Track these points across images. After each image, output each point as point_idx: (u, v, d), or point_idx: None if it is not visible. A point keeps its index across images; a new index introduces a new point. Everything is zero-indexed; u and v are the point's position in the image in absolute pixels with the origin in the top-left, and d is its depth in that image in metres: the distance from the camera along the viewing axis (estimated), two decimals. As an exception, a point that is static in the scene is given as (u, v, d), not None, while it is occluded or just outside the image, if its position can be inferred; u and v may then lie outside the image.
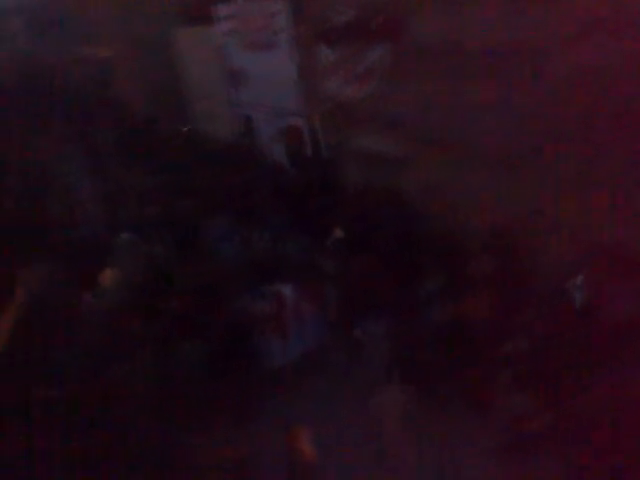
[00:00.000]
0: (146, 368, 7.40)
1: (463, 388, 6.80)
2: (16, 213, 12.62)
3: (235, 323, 8.10)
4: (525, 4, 8.71)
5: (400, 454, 6.79)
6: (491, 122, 9.54)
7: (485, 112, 9.59)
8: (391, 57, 11.10)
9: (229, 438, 6.64)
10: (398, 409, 7.06)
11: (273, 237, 10.42)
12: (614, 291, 7.45)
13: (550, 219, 8.92)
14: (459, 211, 10.04)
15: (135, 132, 19.54)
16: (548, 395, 6.15)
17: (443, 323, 7.64)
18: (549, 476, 6.22)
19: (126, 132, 19.87)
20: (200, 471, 6.34)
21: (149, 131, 19.22)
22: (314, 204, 11.41)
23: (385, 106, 11.51)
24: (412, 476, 6.56)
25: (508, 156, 9.35)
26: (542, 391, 6.18)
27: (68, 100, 26.95)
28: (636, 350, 6.40)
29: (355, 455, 6.64)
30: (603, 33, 8.24)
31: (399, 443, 6.81)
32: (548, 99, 8.69)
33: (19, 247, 10.92)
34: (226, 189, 12.83)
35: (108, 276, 9.40)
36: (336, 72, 12.37)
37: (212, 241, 10.80)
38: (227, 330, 8.01)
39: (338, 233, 10.10)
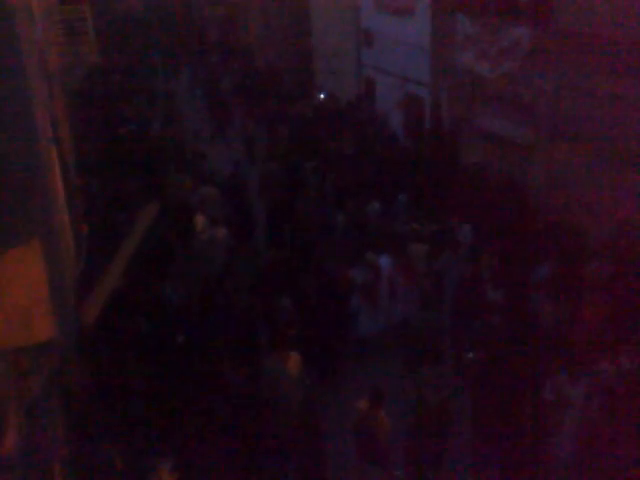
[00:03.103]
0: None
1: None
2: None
3: (331, 287, 8.03)
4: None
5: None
6: (631, 122, 8.93)
7: (626, 111, 8.97)
8: (533, 39, 10.50)
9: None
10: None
11: (379, 207, 10.23)
12: None
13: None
14: (581, 208, 9.56)
15: (257, 79, 19.72)
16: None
17: (546, 317, 7.28)
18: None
19: (248, 77, 20.10)
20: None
21: (270, 81, 19.33)
22: (425, 179, 11.10)
23: (518, 89, 10.98)
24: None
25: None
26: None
27: (198, 38, 27.59)
28: None
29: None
30: None
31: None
32: None
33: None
34: (338, 151, 12.72)
35: (200, 221, 9.66)
36: (472, 46, 11.85)
37: (315, 202, 10.74)
38: (323, 292, 7.96)
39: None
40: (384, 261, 8.53)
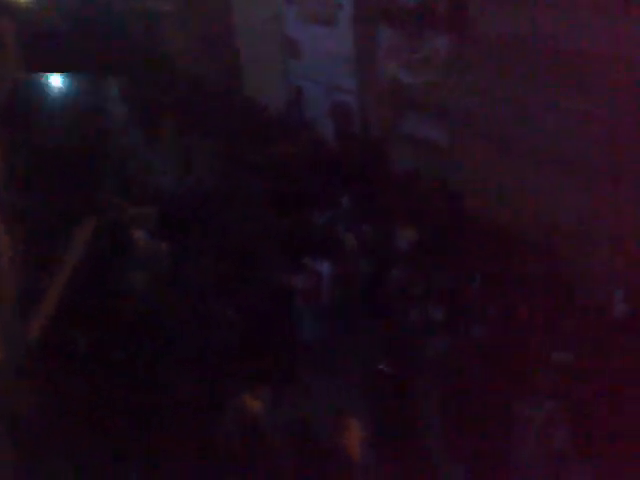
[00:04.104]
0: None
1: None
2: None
3: (272, 293, 8.23)
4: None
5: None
6: (547, 123, 9.50)
7: (542, 113, 9.54)
8: (452, 47, 11.04)
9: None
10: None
11: (313, 212, 10.50)
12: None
13: (594, 229, 8.91)
14: (504, 206, 10.04)
15: (182, 90, 19.65)
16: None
17: (481, 318, 7.69)
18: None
19: (175, 88, 19.99)
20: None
21: (197, 92, 19.29)
22: (356, 183, 11.46)
23: (439, 95, 11.49)
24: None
25: (559, 160, 9.33)
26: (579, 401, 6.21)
27: (126, 48, 27.16)
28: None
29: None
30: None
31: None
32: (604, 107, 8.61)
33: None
34: (270, 159, 12.93)
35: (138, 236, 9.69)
36: (395, 55, 12.32)
37: (252, 210, 10.92)
38: (264, 299, 8.15)
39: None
40: (325, 266, 8.79)
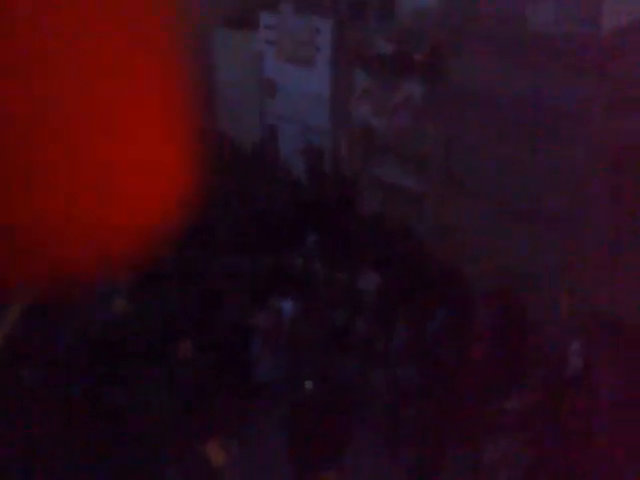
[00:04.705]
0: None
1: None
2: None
3: (234, 332, 8.16)
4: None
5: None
6: (515, 176, 9.67)
7: (510, 165, 9.73)
8: (425, 95, 11.25)
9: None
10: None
11: (282, 249, 10.49)
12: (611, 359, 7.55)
13: (555, 280, 9.03)
14: (468, 253, 10.15)
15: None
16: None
17: (445, 363, 7.70)
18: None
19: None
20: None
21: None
22: (325, 222, 11.52)
23: (411, 141, 11.66)
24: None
25: (525, 212, 9.49)
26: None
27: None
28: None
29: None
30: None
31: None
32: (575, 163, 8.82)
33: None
34: (242, 195, 12.95)
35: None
36: (369, 99, 12.52)
37: (216, 249, 10.89)
38: (225, 337, 8.07)
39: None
40: (286, 305, 8.76)
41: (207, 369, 7.66)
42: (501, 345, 7.74)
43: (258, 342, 8.45)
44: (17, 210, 1.20)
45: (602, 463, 6.36)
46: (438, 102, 10.95)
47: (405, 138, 11.75)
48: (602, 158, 8.77)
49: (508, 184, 9.78)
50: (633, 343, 7.62)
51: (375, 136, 12.50)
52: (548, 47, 9.72)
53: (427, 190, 11.53)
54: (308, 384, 6.91)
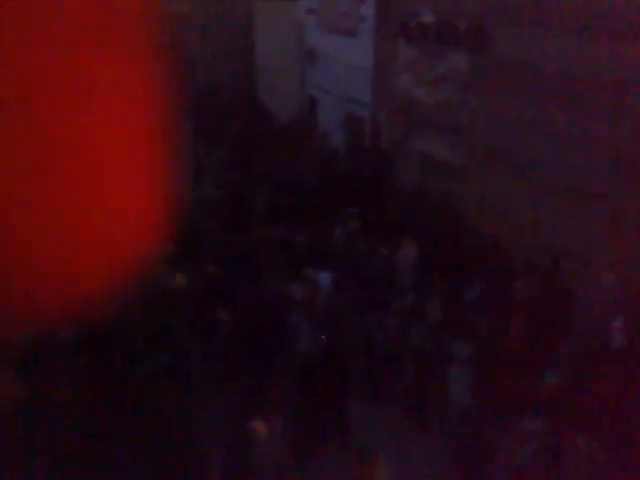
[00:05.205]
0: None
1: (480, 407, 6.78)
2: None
3: (271, 302, 8.20)
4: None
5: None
6: (558, 151, 9.45)
7: (553, 139, 9.51)
8: (469, 66, 11.01)
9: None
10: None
11: (320, 221, 10.46)
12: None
13: (596, 257, 8.85)
14: (508, 228, 10.00)
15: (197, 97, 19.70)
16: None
17: (477, 337, 7.64)
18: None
19: (188, 94, 20.03)
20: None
21: (212, 95, 19.36)
22: (364, 195, 11.44)
23: (453, 114, 11.47)
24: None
25: (567, 188, 9.29)
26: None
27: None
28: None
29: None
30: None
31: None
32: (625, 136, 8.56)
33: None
34: (280, 167, 12.93)
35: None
36: (411, 70, 12.32)
37: (256, 217, 10.96)
38: (262, 307, 8.11)
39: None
40: (323, 277, 8.75)
41: (246, 340, 7.75)
42: (539, 319, 7.64)
43: (297, 312, 8.46)
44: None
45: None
46: (482, 73, 10.71)
47: (447, 110, 11.55)
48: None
49: (551, 159, 9.57)
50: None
51: (416, 108, 12.31)
52: (594, 15, 9.43)
53: (468, 163, 11.35)
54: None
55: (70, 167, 1.28)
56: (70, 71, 1.23)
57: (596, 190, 8.84)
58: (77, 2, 1.25)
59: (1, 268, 1.28)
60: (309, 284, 8.55)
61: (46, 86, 1.20)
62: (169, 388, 6.62)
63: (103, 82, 1.29)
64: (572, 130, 9.24)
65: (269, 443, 6.02)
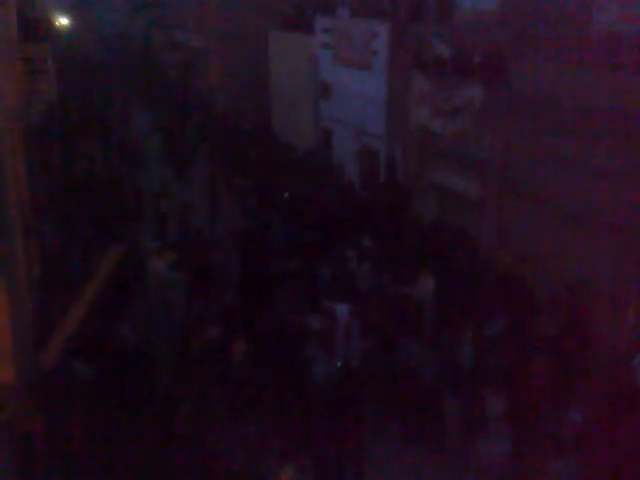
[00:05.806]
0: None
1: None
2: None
3: (288, 332, 8.14)
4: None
5: None
6: (576, 180, 9.40)
7: (570, 169, 9.46)
8: (485, 99, 11.04)
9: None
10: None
11: (334, 254, 10.42)
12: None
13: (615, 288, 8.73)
14: (527, 261, 9.90)
15: (214, 126, 19.93)
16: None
17: (498, 370, 7.50)
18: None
19: (208, 122, 20.28)
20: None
21: (227, 127, 19.54)
22: (379, 227, 11.40)
23: (469, 145, 11.47)
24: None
25: (585, 218, 9.21)
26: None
27: (156, 82, 27.77)
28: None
29: None
30: None
31: None
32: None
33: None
34: (297, 199, 12.94)
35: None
36: (426, 102, 12.36)
37: (274, 246, 10.95)
38: (280, 338, 8.05)
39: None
40: (341, 309, 8.67)
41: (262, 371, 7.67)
42: (562, 354, 7.50)
43: (312, 343, 8.37)
44: None
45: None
46: (498, 106, 10.73)
47: (463, 142, 11.56)
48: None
49: (567, 189, 9.52)
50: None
51: (432, 140, 12.33)
52: (612, 48, 9.47)
53: (485, 195, 11.31)
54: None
55: None
56: None
57: (617, 222, 8.76)
58: None
59: None
60: (326, 316, 8.48)
61: None
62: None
63: None
64: (591, 162, 9.21)
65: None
